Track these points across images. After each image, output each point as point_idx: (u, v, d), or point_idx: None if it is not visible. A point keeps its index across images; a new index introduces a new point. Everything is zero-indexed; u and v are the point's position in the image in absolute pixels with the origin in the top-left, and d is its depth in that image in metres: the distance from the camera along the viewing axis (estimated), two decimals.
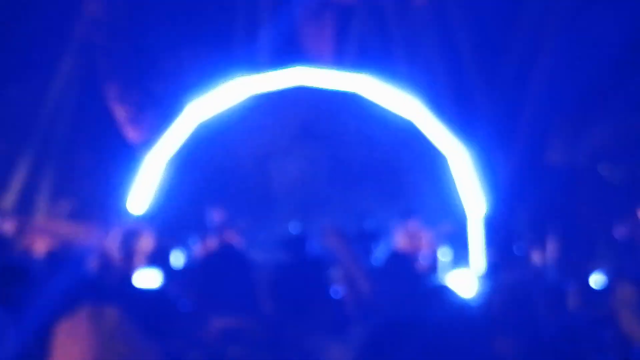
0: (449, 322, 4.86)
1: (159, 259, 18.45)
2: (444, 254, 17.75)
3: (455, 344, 3.01)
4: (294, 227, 19.89)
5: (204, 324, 3.82)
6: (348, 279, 5.07)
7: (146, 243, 17.62)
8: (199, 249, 17.64)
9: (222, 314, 3.73)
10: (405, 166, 20.63)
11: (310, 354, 3.71)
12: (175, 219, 20.14)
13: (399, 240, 17.68)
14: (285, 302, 4.32)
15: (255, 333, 3.69)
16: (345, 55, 30.74)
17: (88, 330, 2.71)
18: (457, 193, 20.31)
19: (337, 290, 5.12)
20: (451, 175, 20.33)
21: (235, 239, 17.40)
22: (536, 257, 18.34)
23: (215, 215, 17.76)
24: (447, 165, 20.31)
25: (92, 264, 19.33)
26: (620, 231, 17.75)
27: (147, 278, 17.25)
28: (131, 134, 31.72)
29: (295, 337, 4.25)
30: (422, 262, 17.23)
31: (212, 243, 17.15)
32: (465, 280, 17.44)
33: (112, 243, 17.75)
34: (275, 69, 22.81)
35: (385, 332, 3.08)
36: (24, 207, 33.50)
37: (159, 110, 31.94)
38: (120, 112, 31.56)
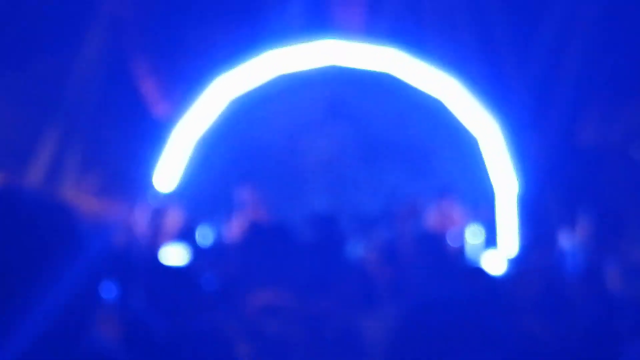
0: (481, 302, 5.12)
1: (186, 236, 18.78)
2: (475, 234, 17.93)
3: (486, 324, 3.26)
4: (324, 206, 20.21)
5: (239, 300, 4.11)
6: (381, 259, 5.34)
7: (173, 220, 17.93)
8: (228, 227, 17.88)
9: (259, 290, 4.01)
10: (437, 145, 20.80)
11: (345, 330, 4.00)
12: (203, 196, 20.41)
13: (430, 219, 17.86)
14: (319, 279, 4.62)
15: (293, 309, 3.98)
16: (377, 28, 30.78)
17: None
18: (488, 172, 20.50)
19: (369, 268, 5.39)
20: (482, 154, 20.53)
21: (265, 218, 17.62)
22: (568, 238, 18.54)
23: (245, 193, 17.97)
24: (479, 143, 20.50)
25: (118, 241, 19.71)
26: None
27: (174, 255, 17.60)
28: (159, 109, 32.03)
29: (330, 313, 4.55)
30: (454, 242, 17.45)
31: (242, 221, 17.37)
32: (497, 260, 17.71)
33: (139, 220, 18.09)
34: (305, 43, 22.97)
35: (418, 312, 3.35)
36: (50, 183, 33.91)
37: (187, 86, 32.21)
38: (148, 88, 31.86)
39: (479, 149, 20.49)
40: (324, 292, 4.57)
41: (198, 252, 17.62)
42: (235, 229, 17.62)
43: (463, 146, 20.68)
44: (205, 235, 18.95)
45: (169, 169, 21.31)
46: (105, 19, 31.13)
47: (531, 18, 26.04)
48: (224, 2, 35.00)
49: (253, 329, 3.81)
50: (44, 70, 35.29)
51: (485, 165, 20.49)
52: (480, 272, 5.83)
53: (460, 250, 17.42)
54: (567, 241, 18.34)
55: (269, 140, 21.49)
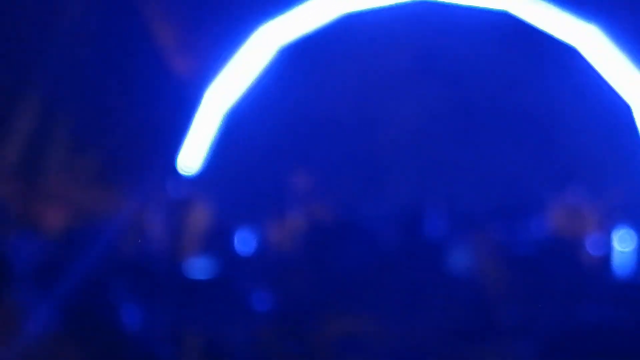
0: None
1: (219, 240, 18.83)
2: (625, 240, 17.83)
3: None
4: (410, 199, 20.16)
5: (303, 329, 4.05)
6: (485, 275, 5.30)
7: (201, 217, 17.97)
8: (276, 228, 17.96)
9: (330, 315, 3.94)
10: (569, 115, 20.68)
11: None
12: (242, 185, 20.46)
13: (558, 218, 17.80)
14: (409, 299, 4.55)
15: (378, 336, 3.91)
16: None
17: None
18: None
19: (478, 284, 5.34)
20: (635, 129, 20.36)
21: (328, 216, 17.65)
22: None
23: (299, 182, 17.99)
24: (633, 114, 20.32)
25: (125, 245, 19.85)
26: None
27: (202, 265, 17.67)
28: (180, 64, 31.96)
29: (426, 343, 4.50)
30: (591, 249, 17.35)
31: (296, 221, 17.44)
32: None
33: (154, 216, 18.10)
34: None
35: (557, 346, 3.29)
36: (30, 166, 34.09)
37: (220, 32, 32.19)
38: (164, 34, 31.82)
39: (632, 122, 20.29)
40: (416, 315, 4.49)
41: (236, 262, 17.71)
42: (286, 231, 17.65)
43: (608, 116, 20.51)
44: (244, 239, 19.03)
45: (196, 146, 21.34)
46: None
47: None
48: None
49: None
50: (25, 7, 35.71)
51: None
52: (629, 290, 5.77)
53: (602, 261, 17.32)
54: None
55: (331, 107, 21.47)
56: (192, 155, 21.11)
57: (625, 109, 20.31)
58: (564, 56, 20.50)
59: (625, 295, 5.48)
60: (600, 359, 3.42)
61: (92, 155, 30.21)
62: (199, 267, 17.41)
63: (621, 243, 17.55)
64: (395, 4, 21.25)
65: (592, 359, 3.46)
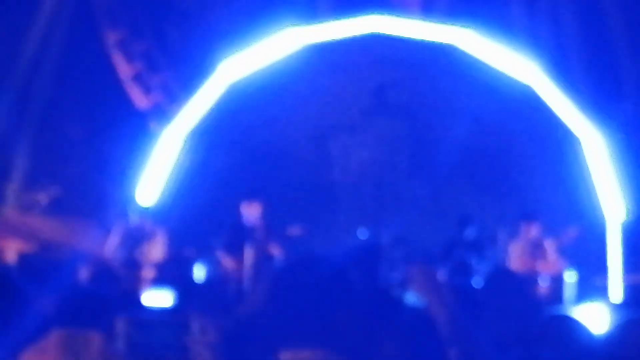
0: None
1: (174, 269, 18.69)
2: (571, 274, 17.81)
3: None
4: (362, 233, 20.06)
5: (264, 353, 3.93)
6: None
7: (157, 247, 17.78)
8: (229, 259, 17.80)
9: (288, 345, 3.82)
10: (519, 152, 20.72)
11: None
12: (197, 216, 20.34)
13: (511, 254, 17.75)
14: (361, 331, 4.41)
15: None
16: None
17: None
18: (590, 190, 20.33)
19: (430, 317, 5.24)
20: (582, 167, 20.35)
21: (277, 249, 17.51)
22: None
23: (253, 214, 17.85)
24: (578, 153, 20.33)
25: (82, 274, 19.65)
26: None
27: (158, 294, 17.51)
28: (139, 98, 31.90)
29: None
30: (542, 283, 17.31)
31: (250, 252, 17.28)
32: (599, 309, 17.51)
33: (112, 246, 17.90)
34: (341, 17, 22.94)
35: None
36: None
37: (178, 67, 32.19)
38: (124, 68, 31.77)
39: (579, 158, 20.30)
40: (372, 346, 4.37)
41: (188, 291, 17.59)
42: (239, 262, 17.51)
43: (557, 154, 20.54)
44: (198, 268, 18.90)
45: (152, 177, 21.20)
46: None
47: None
48: None
49: None
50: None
51: (587, 180, 20.30)
52: (575, 326, 5.70)
53: (552, 295, 17.30)
54: None
55: (288, 141, 21.43)
56: (150, 188, 20.99)
57: (573, 147, 20.35)
58: (515, 91, 20.54)
59: (567, 326, 5.41)
60: None
61: (49, 187, 30.05)
62: (155, 296, 17.29)
63: (570, 276, 17.58)
64: (352, 38, 21.26)
65: None
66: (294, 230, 17.75)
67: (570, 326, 5.70)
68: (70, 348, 2.81)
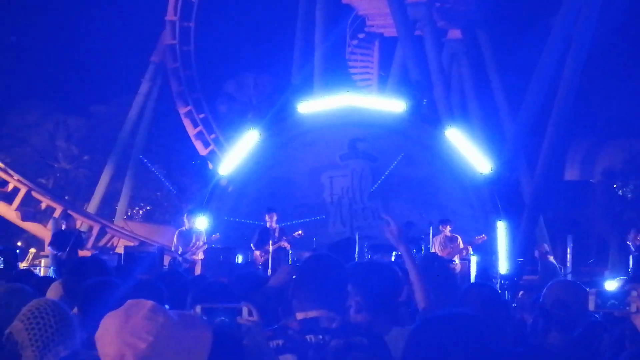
0: (491, 318, 4.87)
1: (224, 256, 18.54)
2: (474, 258, 17.71)
3: (487, 338, 3.03)
4: (342, 233, 19.99)
5: (284, 316, 3.92)
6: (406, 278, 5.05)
7: (202, 241, 17.61)
8: (258, 251, 17.61)
9: (304, 308, 3.81)
10: (440, 180, 20.55)
11: (374, 339, 3.76)
12: (236, 224, 20.19)
13: (434, 244, 17.60)
14: (366, 296, 4.36)
15: (329, 322, 3.75)
16: (388, 82, 30.91)
17: (120, 320, 2.49)
18: (486, 205, 20.26)
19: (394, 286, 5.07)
20: (481, 189, 20.28)
21: (287, 245, 17.32)
22: (554, 262, 18.27)
23: (272, 221, 17.69)
24: (478, 180, 20.23)
25: (165, 261, 19.52)
26: (632, 240, 17.57)
27: (212, 273, 17.35)
28: (201, 148, 32.10)
29: (376, 326, 4.31)
30: (454, 264, 17.20)
31: (269, 247, 17.14)
32: (496, 280, 17.45)
33: (174, 244, 17.79)
34: (326, 96, 22.96)
35: (432, 325, 3.12)
36: (106, 211, 33.98)
37: (224, 129, 32.31)
38: (191, 130, 31.95)
39: (479, 183, 20.23)
40: (360, 306, 4.30)
41: (232, 272, 17.41)
42: (265, 253, 17.36)
43: (464, 181, 20.45)
44: (239, 257, 18.75)
45: (210, 199, 21.08)
46: (154, 69, 31.31)
47: (522, 75, 26.02)
48: (256, 56, 35.15)
49: (296, 339, 3.59)
50: (103, 114, 35.46)
51: (484, 198, 20.23)
52: (482, 290, 5.52)
53: (463, 272, 17.20)
54: (554, 265, 18.10)
55: (293, 175, 21.31)
56: (206, 204, 20.84)
57: (474, 175, 20.26)
58: (437, 144, 20.46)
59: (476, 290, 5.30)
60: (457, 337, 3.13)
61: (143, 205, 30.15)
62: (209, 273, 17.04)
63: (475, 260, 17.50)
64: (332, 108, 21.28)
65: (451, 336, 3.15)
66: (298, 233, 17.62)
67: (486, 290, 5.53)
68: (132, 314, 2.57)
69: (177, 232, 17.84)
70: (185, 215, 18.02)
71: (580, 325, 4.43)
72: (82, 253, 19.12)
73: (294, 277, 4.09)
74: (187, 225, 17.63)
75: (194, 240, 17.48)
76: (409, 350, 3.07)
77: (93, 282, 4.74)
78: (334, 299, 3.98)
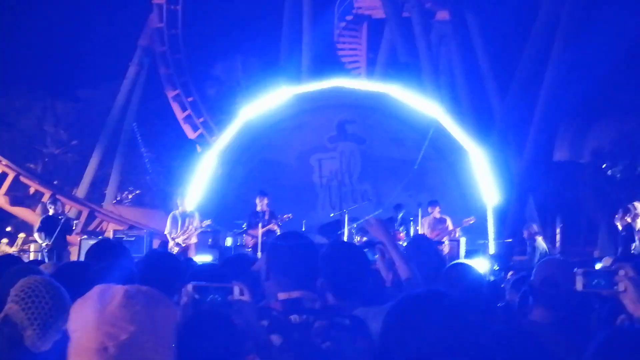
0: (469, 297, 4.89)
1: (213, 239, 18.57)
2: (463, 239, 17.76)
3: (471, 317, 3.04)
4: (332, 214, 19.99)
5: (269, 296, 3.91)
6: (388, 261, 5.07)
7: (195, 224, 17.61)
8: (247, 233, 17.63)
9: (284, 288, 3.81)
10: (429, 163, 20.56)
11: (355, 320, 3.77)
12: (226, 206, 20.22)
13: (422, 226, 17.64)
14: (334, 275, 4.38)
15: (312, 303, 3.75)
16: (376, 64, 30.88)
17: (95, 309, 2.45)
18: (475, 186, 20.30)
19: (375, 267, 5.12)
20: (470, 171, 20.31)
21: (277, 228, 17.31)
22: (543, 242, 18.30)
23: (262, 204, 17.67)
24: (467, 162, 20.28)
25: (154, 244, 19.52)
26: (620, 220, 17.61)
27: (201, 255, 17.39)
28: (189, 132, 31.99)
29: (343, 305, 4.32)
30: (443, 245, 17.24)
31: (259, 230, 17.13)
32: (482, 261, 17.49)
33: (168, 227, 17.79)
34: (314, 78, 22.97)
35: (408, 303, 3.12)
36: (95, 196, 33.87)
37: (213, 112, 32.23)
38: (179, 113, 31.83)
39: (468, 166, 20.26)
40: (341, 287, 4.33)
41: (223, 252, 17.49)
42: (254, 236, 17.40)
43: (454, 164, 20.48)
44: (227, 240, 18.77)
45: (197, 183, 21.09)
46: (141, 53, 31.16)
47: (511, 50, 26.03)
48: (246, 40, 35.03)
49: (279, 320, 3.59)
50: (90, 99, 35.32)
51: (473, 180, 20.27)
52: (468, 270, 5.55)
53: (451, 252, 17.23)
54: (543, 244, 18.14)
55: (283, 157, 21.31)
56: (194, 189, 20.86)
57: (464, 158, 20.30)
58: (425, 125, 20.46)
59: (462, 270, 5.28)
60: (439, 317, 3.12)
61: (132, 189, 29.87)
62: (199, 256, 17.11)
63: (463, 240, 17.56)
64: (323, 90, 21.28)
65: (434, 316, 3.14)
66: (287, 216, 17.59)
67: (466, 270, 5.56)
68: (105, 298, 2.52)
69: (170, 214, 17.89)
70: (177, 198, 18.05)
71: (568, 303, 4.43)
72: (71, 238, 19.14)
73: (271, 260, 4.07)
74: (180, 209, 17.68)
75: (186, 224, 17.55)
76: (386, 329, 3.09)
77: (67, 264, 4.71)
78: (311, 279, 3.98)
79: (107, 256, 5.51)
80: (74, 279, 4.31)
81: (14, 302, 3.80)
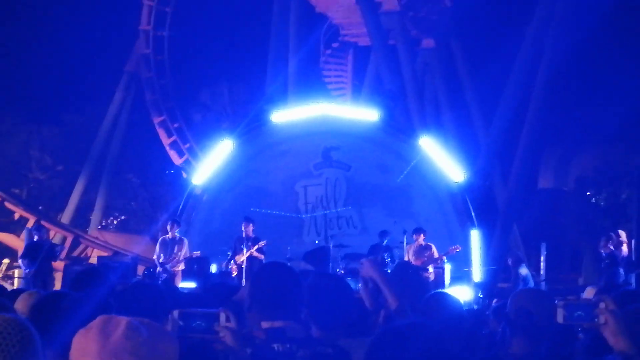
0: (448, 327, 4.90)
1: (198, 266, 18.53)
2: (448, 266, 17.78)
3: (451, 347, 3.08)
4: (317, 241, 19.98)
5: (252, 324, 3.91)
6: (371, 290, 5.08)
7: (184, 250, 17.60)
8: (232, 259, 17.62)
9: (268, 317, 3.81)
10: (413, 190, 20.61)
11: (339, 350, 3.79)
12: (212, 232, 20.23)
13: (407, 253, 17.63)
14: (317, 307, 4.38)
15: (295, 332, 3.76)
16: (362, 91, 31.00)
17: (98, 340, 2.46)
18: (459, 214, 20.33)
19: (358, 296, 5.12)
20: (455, 199, 20.35)
21: (259, 255, 17.29)
22: (527, 271, 18.34)
23: (248, 230, 17.68)
24: (451, 189, 20.32)
25: (139, 271, 19.49)
26: (603, 248, 17.69)
27: (186, 282, 17.38)
28: (175, 158, 32.03)
29: (326, 336, 4.32)
30: (428, 273, 17.24)
31: (243, 256, 17.13)
32: (466, 290, 17.52)
33: (157, 252, 17.75)
34: (300, 105, 23.00)
35: (390, 335, 3.17)
36: (81, 221, 33.81)
37: (199, 139, 32.28)
38: (165, 140, 31.87)
39: (452, 193, 20.31)
40: (325, 317, 4.32)
41: (207, 280, 17.40)
42: (235, 262, 17.42)
43: (438, 192, 20.51)
44: (213, 266, 18.73)
45: (184, 208, 21.05)
46: (127, 78, 31.25)
47: (496, 79, 26.14)
48: (231, 65, 35.11)
49: (262, 349, 3.59)
50: (76, 123, 35.25)
51: (458, 208, 20.30)
52: (450, 299, 5.55)
53: (435, 280, 17.23)
54: (527, 273, 18.18)
55: (269, 185, 21.31)
56: (182, 213, 20.80)
57: (448, 186, 20.34)
58: (410, 154, 20.53)
59: (445, 299, 5.27)
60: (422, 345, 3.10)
61: (117, 215, 29.82)
62: (184, 282, 17.08)
63: (447, 268, 17.55)
64: (309, 117, 21.31)
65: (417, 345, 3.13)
66: (261, 243, 17.48)
67: (446, 299, 5.55)
68: (108, 330, 2.49)
69: (160, 239, 17.89)
70: (168, 224, 18.05)
71: (549, 334, 4.44)
72: (56, 264, 19.07)
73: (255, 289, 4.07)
74: (169, 234, 17.67)
75: (175, 250, 17.54)
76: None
77: (47, 295, 4.63)
78: (295, 309, 3.99)
79: (84, 285, 5.47)
80: (52, 310, 4.22)
81: None
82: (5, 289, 7.60)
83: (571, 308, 3.68)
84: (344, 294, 4.59)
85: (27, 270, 17.30)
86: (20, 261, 17.86)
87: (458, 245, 17.78)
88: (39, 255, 17.22)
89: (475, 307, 15.03)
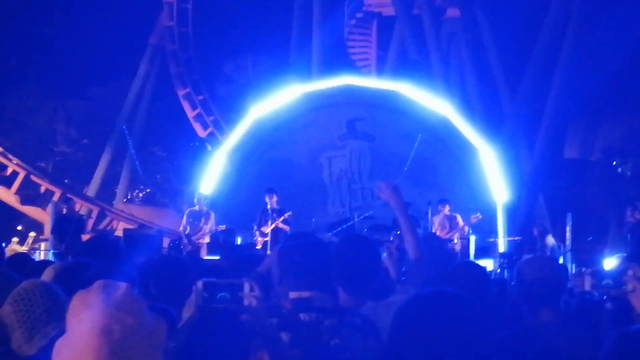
0: (475, 296, 4.88)
1: (224, 239, 18.57)
2: (473, 237, 17.74)
3: (478, 317, 3.07)
4: (341, 213, 20.01)
5: (280, 295, 3.91)
6: (395, 259, 5.07)
7: (210, 223, 17.66)
8: (257, 231, 17.62)
9: (296, 287, 3.82)
10: (439, 161, 20.57)
11: (366, 320, 3.80)
12: (237, 204, 20.26)
13: (433, 224, 17.62)
14: (344, 271, 4.39)
15: (322, 302, 3.76)
16: (386, 62, 30.86)
17: (98, 301, 2.43)
18: (485, 184, 20.29)
19: (384, 263, 5.12)
20: (481, 169, 20.30)
21: (284, 226, 17.26)
22: (553, 241, 18.28)
23: (272, 202, 17.67)
24: (477, 159, 20.27)
25: (164, 244, 19.56)
26: (629, 217, 17.58)
27: (212, 255, 17.40)
28: (200, 130, 32.08)
29: (353, 302, 4.34)
30: (454, 244, 17.23)
31: (268, 228, 17.13)
32: (492, 260, 17.51)
33: (183, 224, 17.83)
34: (324, 77, 22.98)
35: (418, 303, 3.16)
36: (106, 194, 33.98)
37: (224, 111, 32.29)
38: (189, 112, 31.90)
39: (478, 163, 20.26)
40: (351, 285, 4.34)
41: (232, 252, 17.43)
42: (261, 233, 17.42)
43: (464, 161, 20.46)
44: (238, 238, 18.77)
45: (208, 181, 21.13)
46: (152, 51, 31.27)
47: (522, 47, 25.98)
48: (255, 39, 35.04)
49: (289, 318, 3.59)
50: (101, 97, 35.36)
51: (483, 177, 20.26)
52: (477, 269, 5.52)
53: (461, 250, 17.22)
54: (553, 243, 18.12)
55: (293, 155, 21.33)
56: (207, 186, 20.87)
57: (474, 156, 20.30)
58: (435, 122, 20.47)
59: (471, 269, 5.27)
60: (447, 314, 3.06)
61: (143, 188, 29.84)
62: (209, 254, 17.12)
63: (472, 239, 17.53)
64: (333, 88, 21.30)
65: (442, 313, 3.08)
66: (287, 215, 17.44)
67: (472, 268, 5.52)
68: (109, 292, 2.50)
69: (187, 211, 17.95)
70: (196, 196, 18.10)
71: (562, 300, 4.42)
72: (84, 237, 19.19)
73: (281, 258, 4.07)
74: (197, 206, 17.71)
75: (202, 223, 17.60)
76: (395, 328, 3.12)
77: (72, 264, 4.64)
78: (323, 280, 3.99)
79: (104, 255, 5.45)
80: (77, 279, 4.24)
81: (9, 303, 3.73)
82: (32, 259, 7.68)
83: (599, 275, 3.67)
84: (371, 256, 4.61)
85: (59, 246, 17.42)
86: (51, 236, 17.97)
87: (479, 214, 17.74)
88: (68, 228, 17.33)
89: (500, 276, 15.08)
